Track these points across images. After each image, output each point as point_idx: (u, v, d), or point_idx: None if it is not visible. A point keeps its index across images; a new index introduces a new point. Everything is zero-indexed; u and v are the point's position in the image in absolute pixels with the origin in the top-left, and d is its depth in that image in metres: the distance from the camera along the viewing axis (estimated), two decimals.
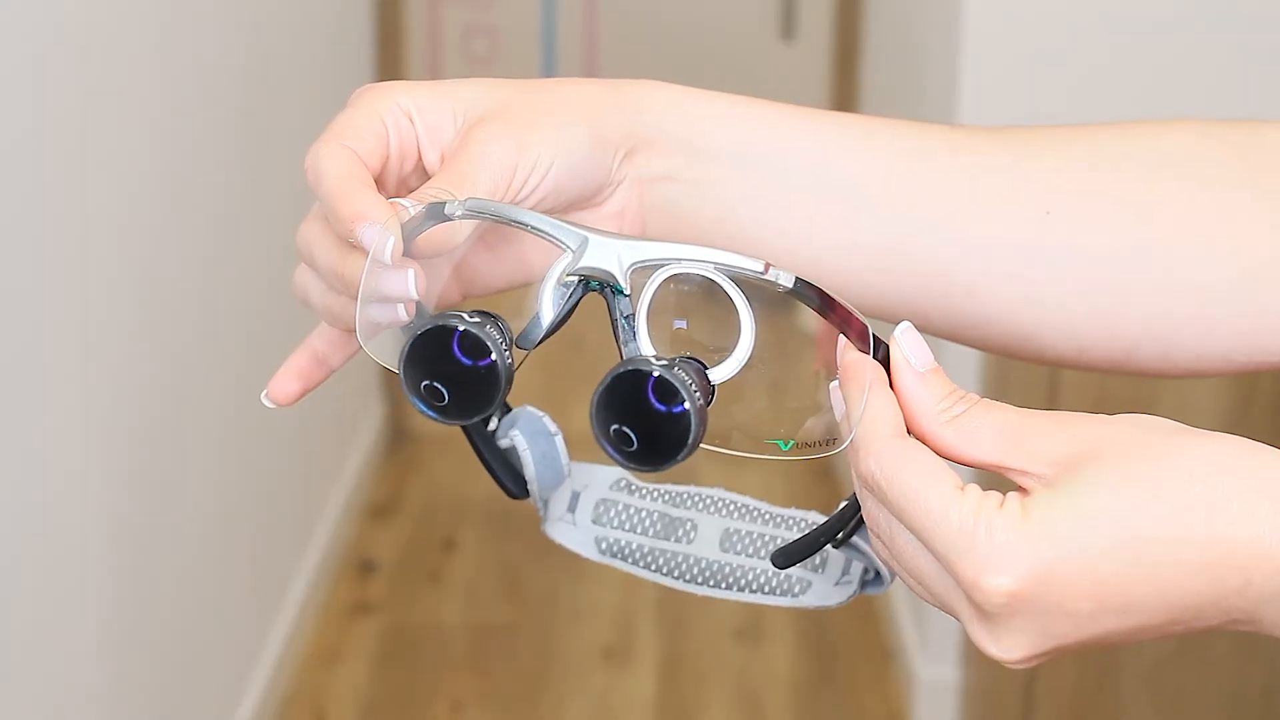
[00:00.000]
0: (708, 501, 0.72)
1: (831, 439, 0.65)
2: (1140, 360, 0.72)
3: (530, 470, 0.71)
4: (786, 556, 0.69)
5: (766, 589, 0.71)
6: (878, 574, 0.70)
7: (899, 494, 0.59)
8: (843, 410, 0.63)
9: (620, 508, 0.73)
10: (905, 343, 0.62)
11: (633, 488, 0.73)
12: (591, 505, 0.73)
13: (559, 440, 0.72)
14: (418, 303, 0.64)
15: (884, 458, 0.59)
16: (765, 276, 0.61)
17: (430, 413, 0.62)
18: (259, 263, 2.50)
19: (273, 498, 2.70)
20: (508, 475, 0.72)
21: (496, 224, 0.65)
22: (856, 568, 0.70)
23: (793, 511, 0.72)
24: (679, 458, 0.60)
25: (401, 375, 0.61)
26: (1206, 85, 2.29)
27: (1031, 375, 2.11)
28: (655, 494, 0.73)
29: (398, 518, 3.37)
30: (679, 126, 0.71)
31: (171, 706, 2.14)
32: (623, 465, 0.61)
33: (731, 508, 0.72)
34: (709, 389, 0.62)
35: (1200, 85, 2.29)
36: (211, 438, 2.29)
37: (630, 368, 0.60)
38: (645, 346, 0.62)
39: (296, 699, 2.71)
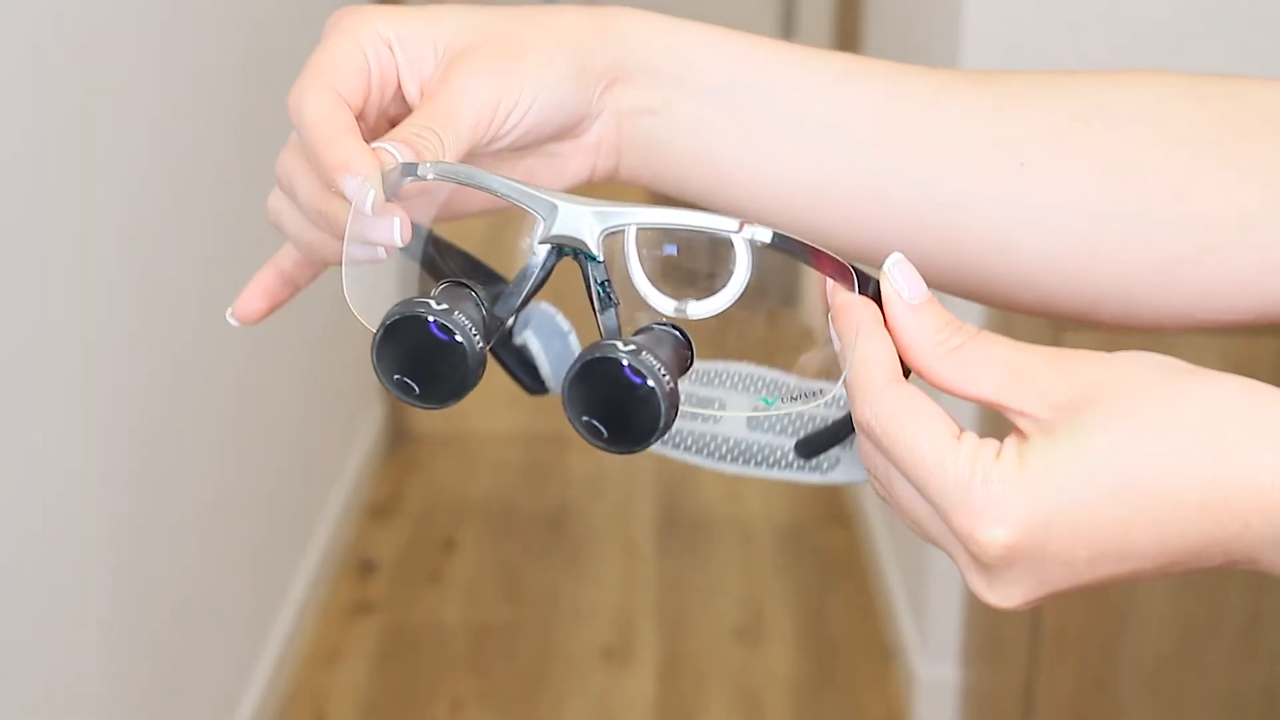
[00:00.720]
0: (735, 379, 0.71)
1: (815, 391, 0.64)
2: (1103, 313, 0.72)
3: (545, 369, 0.71)
4: (810, 446, 0.69)
5: (795, 466, 0.71)
6: None
7: (894, 442, 0.58)
8: (838, 346, 0.62)
9: None
10: (897, 275, 0.61)
11: None
12: None
13: (573, 338, 0.72)
14: (417, 230, 0.64)
15: (878, 406, 0.59)
16: (740, 234, 0.60)
17: (406, 399, 0.61)
18: (259, 263, 2.50)
19: (273, 498, 2.70)
20: (524, 373, 0.72)
21: (492, 158, 0.64)
22: None
23: (821, 384, 0.71)
24: (650, 441, 0.60)
25: (374, 364, 0.61)
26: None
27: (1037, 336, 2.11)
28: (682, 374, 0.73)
29: (398, 518, 3.37)
30: (664, 59, 0.70)
31: (171, 706, 2.14)
32: (597, 447, 0.60)
33: (759, 384, 0.71)
34: (685, 358, 0.62)
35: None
36: (211, 437, 2.29)
37: (598, 354, 0.59)
38: (643, 287, 0.62)
39: (296, 699, 2.71)
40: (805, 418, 0.71)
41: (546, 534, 3.29)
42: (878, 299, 0.61)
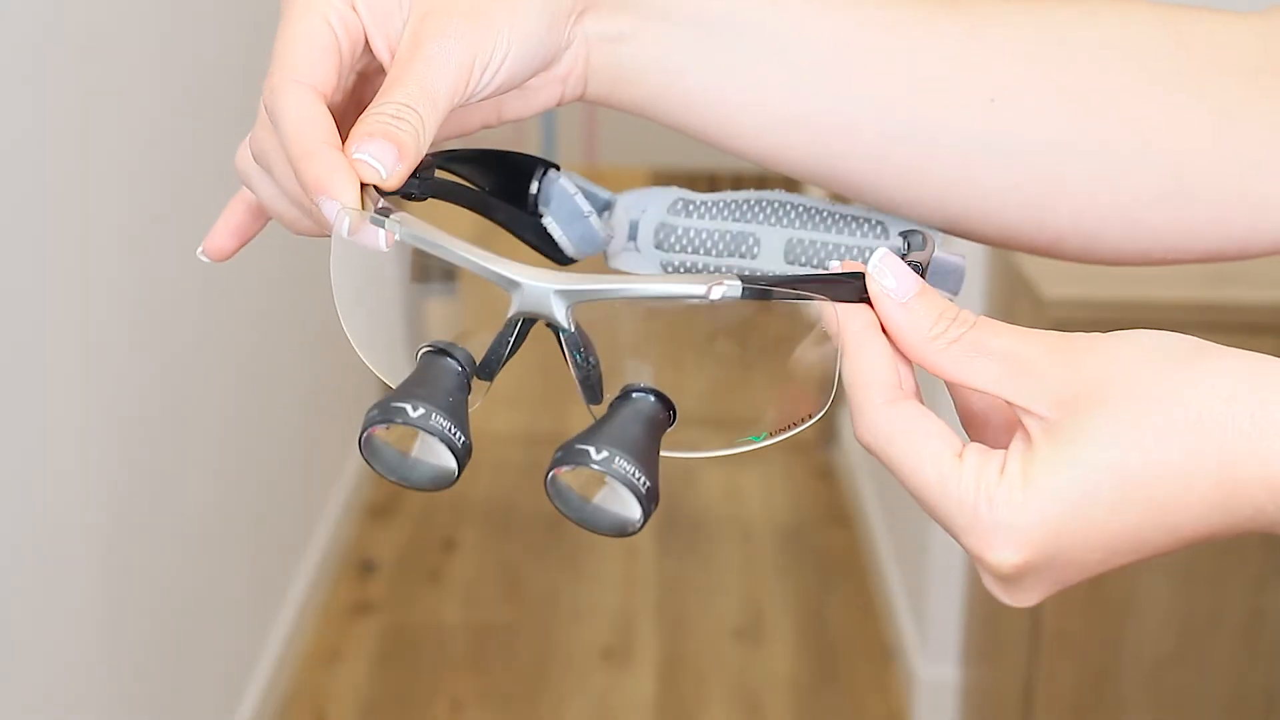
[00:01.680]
0: (769, 209, 0.70)
1: (808, 413, 0.63)
2: (1063, 249, 0.71)
3: (570, 250, 0.71)
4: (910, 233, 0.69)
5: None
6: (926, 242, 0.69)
7: (896, 464, 0.58)
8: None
9: (681, 231, 0.71)
10: (884, 273, 0.60)
11: (689, 208, 0.71)
12: (652, 231, 0.71)
13: (593, 220, 0.72)
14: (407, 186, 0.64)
15: (878, 428, 0.58)
16: (712, 299, 0.59)
17: (414, 488, 0.62)
18: (259, 262, 2.50)
19: (273, 498, 2.70)
20: (549, 251, 0.71)
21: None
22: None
23: (854, 209, 0.70)
24: (630, 534, 0.59)
25: (373, 468, 0.61)
26: None
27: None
28: (714, 209, 0.71)
29: (398, 518, 3.37)
30: None
31: (171, 706, 2.14)
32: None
33: (794, 213, 0.70)
34: (664, 423, 0.61)
35: None
36: (211, 437, 2.29)
37: (550, 483, 0.59)
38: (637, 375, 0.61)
39: (296, 699, 2.71)
40: (843, 248, 0.70)
41: (546, 534, 3.29)
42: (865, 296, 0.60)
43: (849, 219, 0.70)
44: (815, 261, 0.69)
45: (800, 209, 0.70)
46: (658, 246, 0.71)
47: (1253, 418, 0.55)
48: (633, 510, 0.58)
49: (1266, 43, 0.69)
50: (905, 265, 0.60)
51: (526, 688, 2.78)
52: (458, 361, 0.61)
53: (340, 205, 0.60)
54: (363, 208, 0.61)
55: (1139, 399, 0.56)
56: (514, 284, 0.60)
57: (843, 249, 0.69)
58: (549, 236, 0.72)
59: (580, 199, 0.71)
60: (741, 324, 0.63)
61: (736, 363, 0.65)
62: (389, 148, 0.61)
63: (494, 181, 0.73)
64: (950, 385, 0.61)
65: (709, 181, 4.76)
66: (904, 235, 0.70)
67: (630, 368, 0.63)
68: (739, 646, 2.91)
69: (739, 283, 0.59)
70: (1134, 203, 0.69)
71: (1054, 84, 0.68)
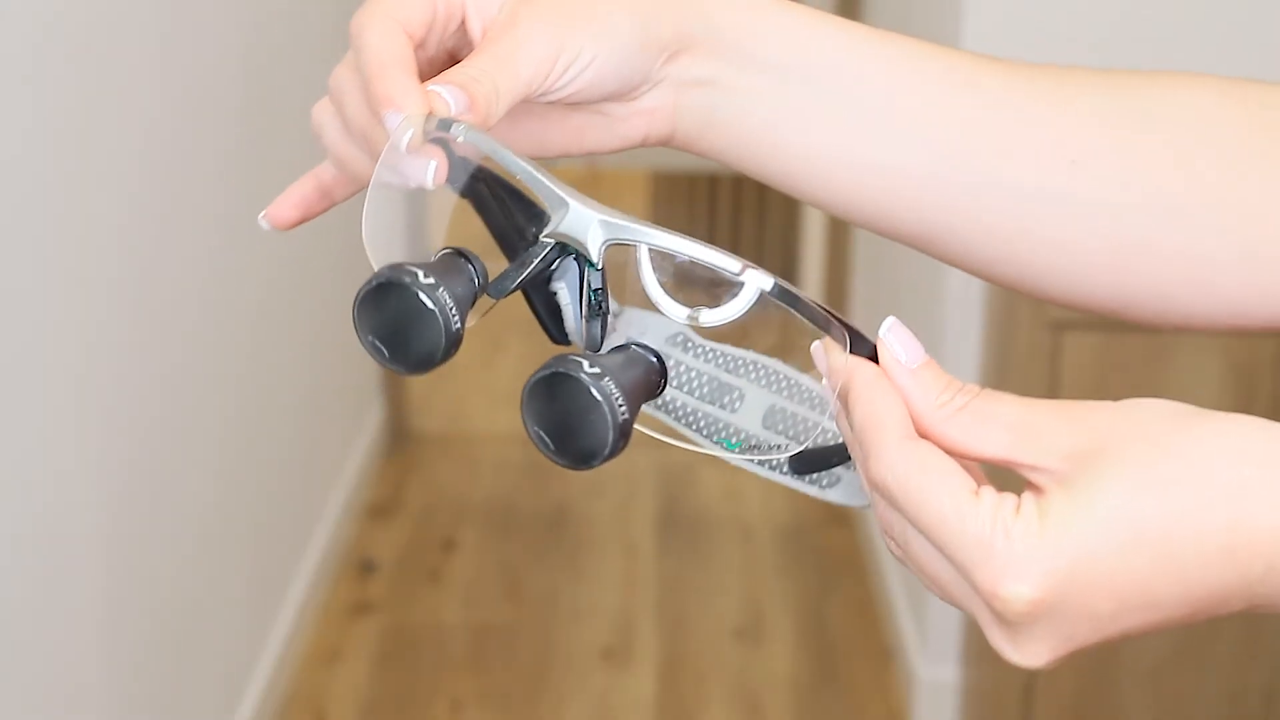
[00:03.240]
0: (761, 371, 0.70)
1: (800, 457, 0.64)
2: (1135, 313, 0.72)
3: (570, 323, 0.71)
4: (804, 464, 0.68)
5: (794, 471, 0.70)
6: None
7: (913, 501, 0.57)
8: (835, 408, 0.62)
9: (674, 364, 0.71)
10: (893, 340, 0.60)
11: (688, 345, 0.71)
12: None
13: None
14: (455, 164, 0.64)
15: (895, 464, 0.58)
16: (740, 277, 0.60)
17: (377, 359, 0.62)
18: (259, 263, 2.50)
19: (272, 498, 2.70)
20: (552, 322, 0.71)
21: (544, 107, 0.64)
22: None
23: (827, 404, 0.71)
24: (594, 464, 0.60)
25: (354, 320, 0.62)
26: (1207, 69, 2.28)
27: (1033, 363, 2.11)
28: (711, 354, 0.71)
29: (398, 518, 3.37)
30: (732, 31, 0.70)
31: (171, 706, 2.14)
32: (547, 458, 0.60)
33: (783, 383, 0.70)
34: (656, 382, 0.62)
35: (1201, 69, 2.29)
36: (211, 438, 2.29)
37: (559, 369, 0.59)
38: (664, 304, 0.62)
39: (296, 699, 2.71)
40: (821, 429, 0.71)
41: (546, 534, 3.29)
42: (873, 360, 0.61)
43: (821, 404, 0.71)
44: (791, 433, 0.70)
45: (792, 382, 0.71)
46: None
47: (1262, 471, 0.55)
48: (603, 437, 0.59)
49: None
50: (912, 336, 0.60)
51: (526, 688, 2.78)
52: (473, 267, 0.62)
53: (404, 118, 0.62)
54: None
55: (1150, 451, 0.56)
56: (561, 203, 0.61)
57: (821, 429, 0.69)
58: (552, 305, 0.73)
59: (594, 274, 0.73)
60: (746, 338, 0.64)
61: (766, 338, 0.65)
62: (462, 95, 0.63)
63: (523, 224, 0.74)
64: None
65: (709, 183, 4.76)
66: None
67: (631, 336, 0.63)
68: (739, 646, 2.91)
69: (772, 278, 0.60)
70: (1208, 267, 0.70)
71: (1132, 150, 0.69)
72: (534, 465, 3.55)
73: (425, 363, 0.61)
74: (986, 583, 0.56)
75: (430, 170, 0.63)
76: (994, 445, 0.58)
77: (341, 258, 3.20)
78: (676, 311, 0.62)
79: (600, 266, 0.61)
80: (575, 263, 0.62)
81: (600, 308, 0.62)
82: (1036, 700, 2.18)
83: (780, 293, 0.60)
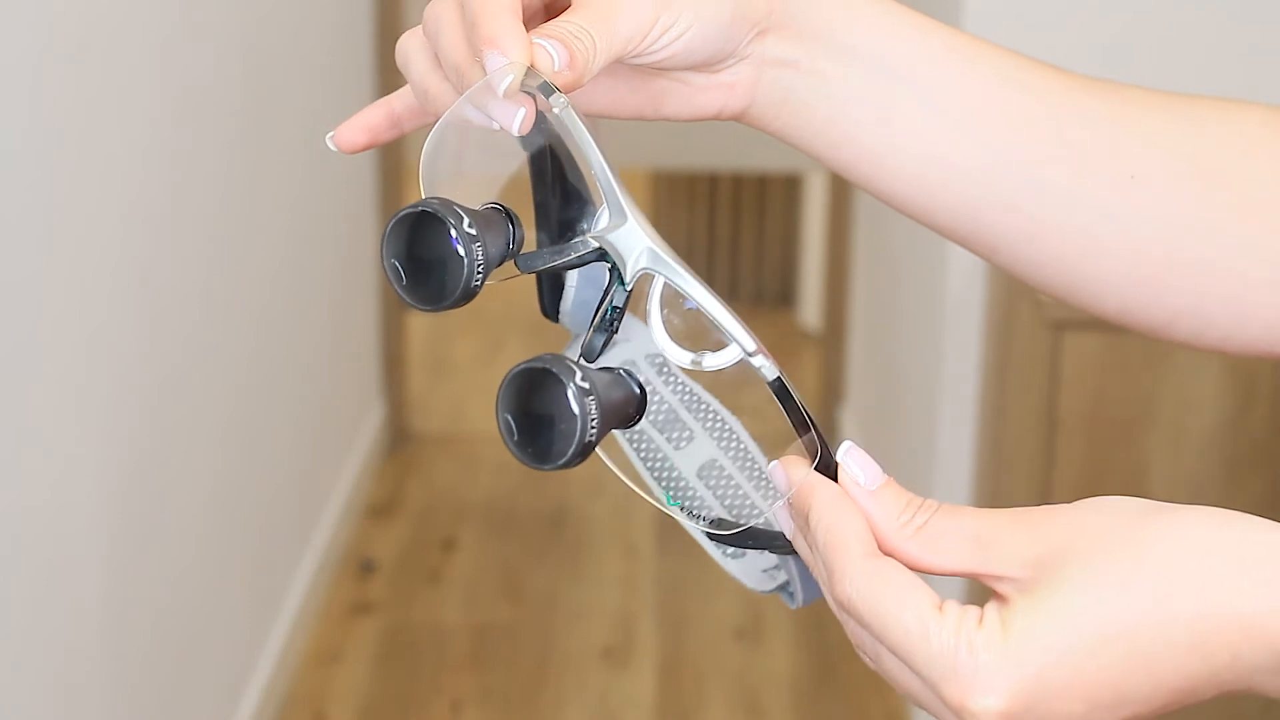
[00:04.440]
0: (717, 423, 0.71)
1: (721, 522, 0.65)
2: (1175, 332, 0.73)
3: (567, 304, 0.71)
4: (724, 536, 0.69)
5: (713, 535, 0.71)
6: (793, 594, 0.70)
7: (878, 618, 0.58)
8: (789, 525, 0.63)
9: (642, 380, 0.73)
10: (851, 463, 0.61)
11: (662, 369, 0.72)
12: (620, 359, 0.72)
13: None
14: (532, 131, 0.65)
15: (858, 581, 0.59)
16: (751, 360, 0.61)
17: (393, 283, 0.62)
18: (259, 263, 2.50)
19: (272, 498, 2.70)
20: (550, 295, 0.72)
21: (628, 69, 0.65)
22: (783, 573, 0.70)
23: (769, 479, 0.72)
24: (546, 467, 0.60)
25: (385, 237, 0.62)
26: (1210, 74, 2.29)
27: (1033, 363, 2.11)
28: (678, 386, 0.72)
29: (398, 518, 3.37)
30: (821, 16, 0.71)
31: (171, 706, 2.14)
32: (507, 446, 0.61)
33: (733, 444, 0.71)
34: (632, 413, 0.63)
35: (1203, 75, 2.29)
36: (211, 438, 2.29)
37: (549, 366, 0.60)
38: (653, 319, 0.63)
39: (296, 699, 2.71)
40: (750, 502, 0.71)
41: (546, 534, 3.29)
42: (833, 478, 0.62)
43: (769, 484, 0.71)
44: (719, 493, 0.71)
45: (742, 447, 0.71)
46: None
47: (1225, 561, 0.56)
48: (564, 449, 0.59)
49: None
50: (869, 458, 0.61)
51: (526, 688, 2.78)
52: (512, 229, 0.63)
53: (507, 62, 0.62)
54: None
55: (1110, 549, 0.57)
56: (622, 214, 0.62)
57: (749, 502, 0.70)
58: (556, 281, 0.73)
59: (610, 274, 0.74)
60: (732, 404, 0.66)
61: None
62: (564, 50, 0.64)
63: (565, 207, 0.74)
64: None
65: (709, 183, 4.76)
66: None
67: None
68: (739, 646, 2.91)
69: (777, 371, 0.61)
70: (1249, 290, 0.71)
71: (1189, 168, 0.71)
72: None
73: (432, 300, 0.62)
74: (955, 697, 0.56)
75: (519, 117, 0.63)
76: (955, 559, 0.59)
77: (342, 258, 3.20)
78: (681, 357, 0.63)
79: (629, 289, 0.62)
80: (607, 272, 0.63)
81: (610, 327, 0.63)
82: None
83: (779, 388, 0.61)
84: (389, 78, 3.42)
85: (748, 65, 0.71)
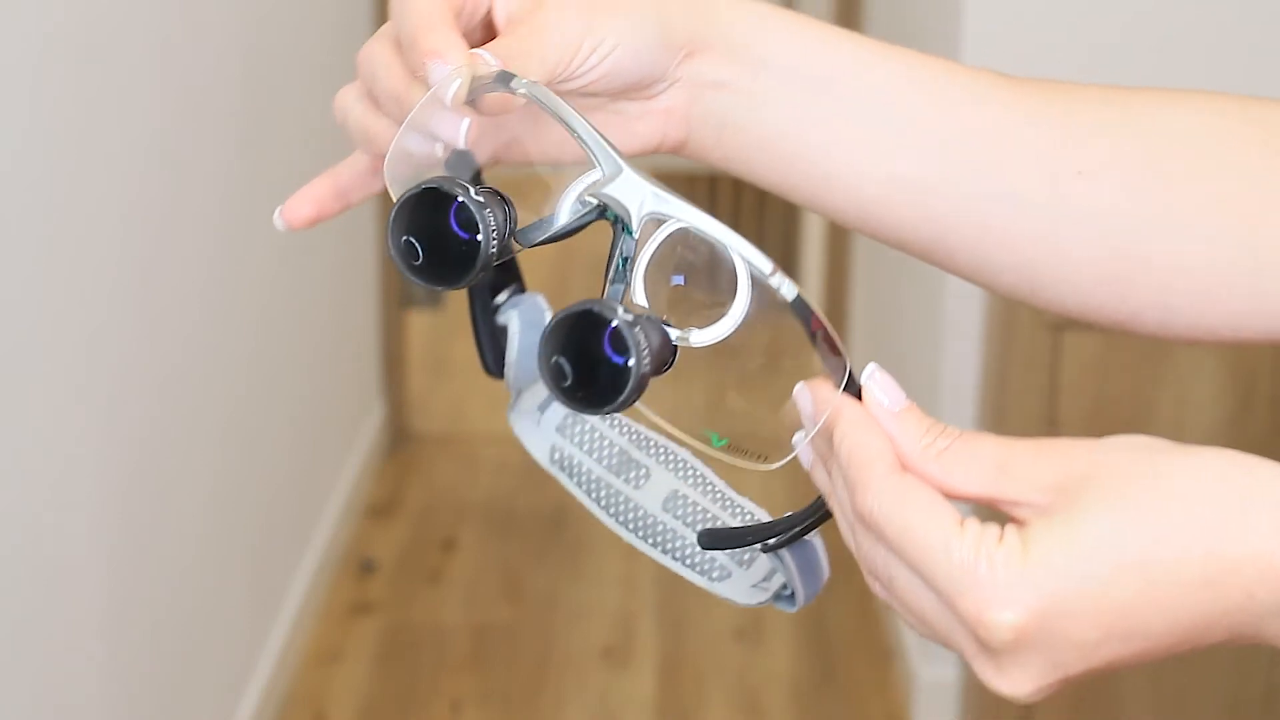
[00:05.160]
0: (671, 456, 0.71)
1: (766, 455, 0.64)
2: (1141, 325, 0.73)
3: (512, 354, 0.71)
4: (713, 539, 0.69)
5: (688, 562, 0.71)
6: (792, 594, 0.70)
7: (898, 531, 0.58)
8: (809, 456, 0.62)
9: (588, 428, 0.72)
10: (875, 386, 0.61)
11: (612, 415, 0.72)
12: (562, 414, 0.72)
13: None
14: (458, 152, 0.65)
15: (882, 495, 0.59)
16: (769, 279, 0.60)
17: (404, 269, 0.62)
18: (259, 263, 2.50)
19: (272, 498, 2.70)
20: (491, 350, 0.72)
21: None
22: (776, 580, 0.70)
23: (745, 502, 0.71)
24: (605, 409, 0.59)
25: (390, 221, 0.61)
26: (1207, 73, 2.28)
27: (1033, 363, 2.11)
28: (625, 428, 0.72)
29: (398, 518, 3.37)
30: (746, 36, 0.71)
31: (172, 706, 2.14)
32: (555, 395, 0.60)
33: (690, 472, 0.71)
34: (668, 356, 0.62)
35: (1201, 73, 2.29)
36: (211, 438, 2.29)
37: (594, 308, 0.59)
38: (637, 294, 0.62)
39: (296, 699, 2.71)
40: (720, 522, 0.70)
41: (546, 534, 3.29)
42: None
43: (735, 505, 0.71)
44: (689, 520, 0.70)
45: (698, 473, 0.71)
46: (558, 429, 0.73)
47: (1240, 502, 0.56)
48: (623, 384, 0.59)
49: None
50: (894, 381, 0.61)
51: (526, 688, 2.78)
52: (508, 208, 0.62)
53: (452, 68, 0.63)
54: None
55: (1129, 480, 0.57)
56: (616, 167, 0.61)
57: (719, 522, 0.69)
58: (493, 337, 0.72)
59: (550, 315, 0.73)
60: (753, 344, 0.64)
61: (735, 371, 0.65)
62: (495, 72, 0.64)
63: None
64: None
65: (709, 183, 4.76)
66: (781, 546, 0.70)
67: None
68: (739, 646, 2.91)
69: (796, 289, 0.60)
70: (1211, 279, 0.71)
71: (1138, 161, 0.71)
72: (534, 465, 3.54)
73: (458, 276, 0.61)
74: (971, 610, 0.56)
75: (464, 128, 0.64)
76: (976, 482, 0.59)
77: (342, 258, 3.20)
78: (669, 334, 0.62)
79: (636, 238, 0.61)
80: (612, 228, 0.62)
81: (625, 278, 0.62)
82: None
83: (801, 307, 0.61)
84: None
85: (680, 89, 0.71)
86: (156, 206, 2.01)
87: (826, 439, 0.61)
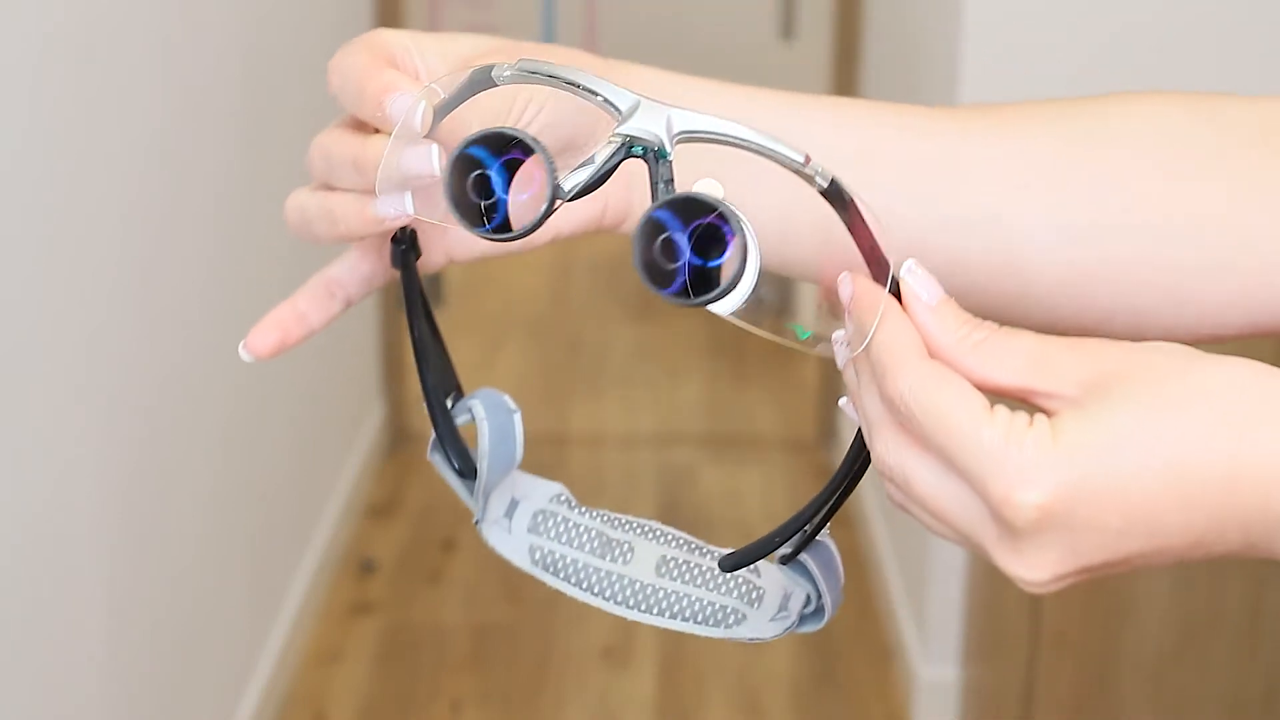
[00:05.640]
0: (646, 529, 0.71)
1: (730, 556, 0.65)
2: (1113, 329, 0.73)
3: (484, 443, 0.70)
4: (734, 560, 0.68)
5: (699, 619, 0.70)
6: (817, 608, 0.69)
7: (929, 414, 0.58)
8: (843, 354, 0.63)
9: (559, 520, 0.71)
10: (912, 280, 0.62)
11: (572, 504, 0.72)
12: (530, 514, 0.72)
13: (517, 418, 0.72)
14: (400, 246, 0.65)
15: (914, 379, 0.59)
16: (805, 169, 0.60)
17: (468, 222, 0.60)
18: (259, 263, 2.50)
19: (272, 498, 2.70)
20: (457, 452, 0.71)
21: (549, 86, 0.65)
22: (795, 601, 0.70)
23: (730, 551, 0.71)
24: (710, 299, 0.58)
25: (451, 166, 0.60)
26: (1207, 73, 2.29)
27: None
28: (594, 514, 0.72)
29: (398, 518, 3.37)
30: (664, 92, 0.71)
31: (171, 706, 2.14)
32: (651, 286, 0.58)
33: (669, 538, 0.71)
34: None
35: (1201, 73, 2.29)
36: (211, 438, 2.29)
37: (702, 197, 0.57)
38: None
39: (296, 699, 2.71)
40: (714, 572, 0.70)
41: None
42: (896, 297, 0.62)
43: (721, 553, 0.71)
44: (687, 579, 0.70)
45: (675, 536, 0.71)
46: (530, 530, 0.72)
47: (1268, 407, 0.57)
48: (741, 270, 0.58)
49: None
50: (931, 277, 0.61)
51: (526, 688, 2.78)
52: (551, 167, 0.61)
53: (413, 96, 0.64)
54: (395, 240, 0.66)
55: (1161, 379, 0.58)
56: (633, 104, 0.61)
57: (713, 572, 0.70)
58: (457, 440, 0.71)
59: (509, 399, 0.72)
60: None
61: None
62: (467, 75, 0.65)
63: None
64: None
65: None
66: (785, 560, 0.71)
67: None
68: (739, 646, 2.91)
69: (832, 177, 0.60)
70: (1176, 279, 0.72)
71: (1084, 170, 0.72)
72: (534, 465, 3.54)
73: (530, 224, 0.60)
74: (998, 491, 0.57)
75: (433, 154, 0.64)
76: (1011, 374, 0.59)
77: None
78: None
79: (673, 157, 0.60)
80: (644, 160, 0.60)
81: (668, 191, 0.61)
82: (1036, 700, 2.18)
83: (835, 194, 0.61)
84: None
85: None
86: (156, 206, 2.01)
87: (863, 329, 0.62)
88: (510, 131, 0.59)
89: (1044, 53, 2.34)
